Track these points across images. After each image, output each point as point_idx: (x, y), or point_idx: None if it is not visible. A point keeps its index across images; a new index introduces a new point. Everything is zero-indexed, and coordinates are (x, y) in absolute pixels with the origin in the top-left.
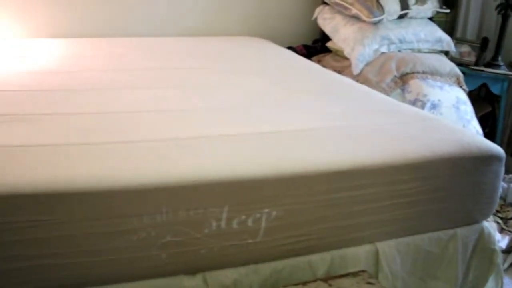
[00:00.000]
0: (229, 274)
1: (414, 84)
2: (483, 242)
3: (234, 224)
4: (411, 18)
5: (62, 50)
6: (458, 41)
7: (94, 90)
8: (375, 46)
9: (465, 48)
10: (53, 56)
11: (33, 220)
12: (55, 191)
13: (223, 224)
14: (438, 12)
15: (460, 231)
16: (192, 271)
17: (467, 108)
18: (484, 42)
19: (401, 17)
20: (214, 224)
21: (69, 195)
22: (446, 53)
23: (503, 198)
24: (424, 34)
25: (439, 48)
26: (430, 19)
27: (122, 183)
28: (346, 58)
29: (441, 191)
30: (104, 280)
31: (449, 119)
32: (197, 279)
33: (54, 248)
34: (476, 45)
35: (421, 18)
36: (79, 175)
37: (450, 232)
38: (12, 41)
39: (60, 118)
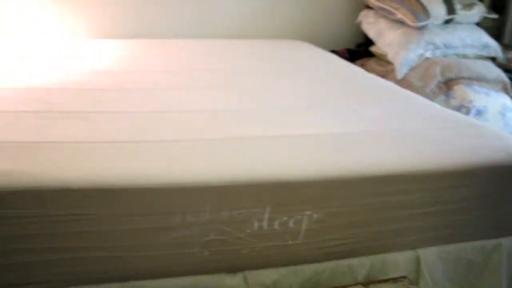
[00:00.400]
0: (269, 274)
1: (459, 90)
2: None
3: (276, 225)
4: (457, 23)
5: (117, 51)
6: (505, 47)
7: (145, 90)
8: (420, 51)
9: None
10: (108, 56)
11: (79, 214)
12: (104, 186)
13: (265, 224)
14: (485, 18)
15: (505, 241)
16: (233, 270)
17: None
18: None
19: (447, 22)
20: (256, 224)
21: (116, 191)
22: (493, 59)
23: None
24: (470, 40)
25: (486, 54)
26: (477, 24)
27: (168, 181)
28: (390, 63)
29: (486, 199)
30: (147, 274)
31: (495, 125)
32: (238, 278)
33: (98, 241)
34: None
35: (468, 23)
36: (127, 172)
37: (494, 241)
38: (70, 41)
39: (112, 116)
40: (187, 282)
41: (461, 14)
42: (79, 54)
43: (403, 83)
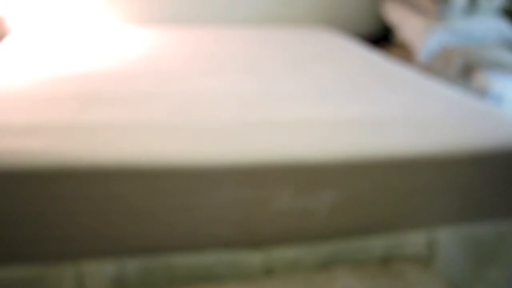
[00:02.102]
0: (289, 251)
1: (479, 76)
2: None
3: (296, 204)
4: (479, 10)
5: (147, 38)
6: None
7: (174, 76)
8: (441, 38)
9: None
10: (138, 43)
11: (111, 193)
12: (135, 167)
13: (285, 204)
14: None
15: None
16: (254, 247)
17: None
18: None
19: (469, 10)
20: (277, 203)
21: (147, 171)
22: None
23: None
24: (491, 28)
25: (506, 42)
26: (502, 12)
27: (194, 162)
28: (411, 50)
29: (503, 182)
30: (173, 250)
31: None
32: (260, 254)
33: (129, 219)
34: None
35: (490, 11)
36: (156, 154)
37: (509, 222)
38: (103, 27)
39: (144, 100)
40: (210, 258)
41: (483, 1)
42: (113, 41)
43: (425, 69)
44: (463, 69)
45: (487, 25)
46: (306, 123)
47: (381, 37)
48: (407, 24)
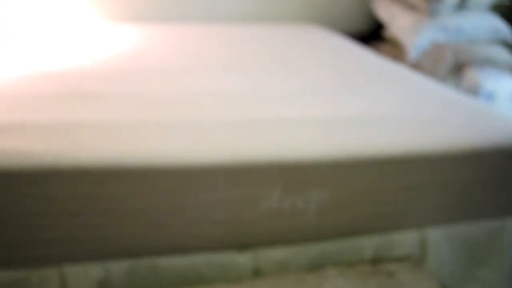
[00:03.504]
0: (278, 252)
1: (470, 73)
2: None
3: (285, 204)
4: (470, 8)
5: (131, 36)
6: None
7: (160, 74)
8: (431, 35)
9: None
10: (122, 41)
11: (97, 193)
12: (120, 167)
13: (274, 203)
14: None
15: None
16: (243, 248)
17: None
18: None
19: (460, 7)
20: (266, 203)
21: (132, 171)
22: (506, 44)
23: None
24: (482, 24)
25: (498, 39)
26: (491, 8)
27: (181, 161)
28: (402, 47)
29: (493, 180)
30: (160, 252)
31: (505, 110)
32: (248, 255)
33: (116, 219)
34: None
35: (481, 7)
36: (142, 153)
37: (500, 222)
38: (86, 24)
39: (127, 99)
40: (198, 259)
41: None
42: (96, 39)
43: (415, 67)
44: (454, 66)
45: (478, 22)
46: (295, 122)
47: (371, 34)
48: (397, 21)
